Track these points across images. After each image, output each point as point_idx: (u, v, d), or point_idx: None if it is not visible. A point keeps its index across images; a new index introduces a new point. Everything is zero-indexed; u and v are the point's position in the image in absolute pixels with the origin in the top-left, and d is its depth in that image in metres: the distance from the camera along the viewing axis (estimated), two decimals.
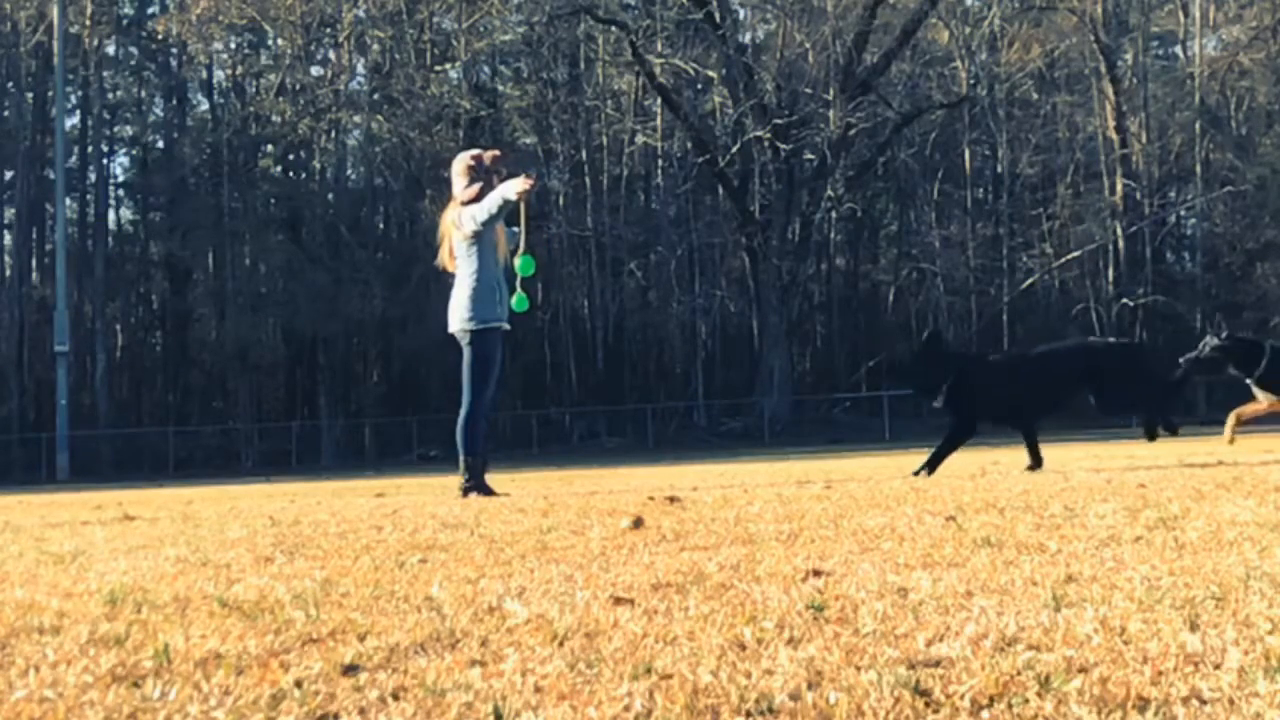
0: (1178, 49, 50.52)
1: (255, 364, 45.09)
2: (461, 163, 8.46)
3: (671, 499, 6.32)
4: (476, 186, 8.21)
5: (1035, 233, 45.85)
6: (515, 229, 8.40)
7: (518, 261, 8.26)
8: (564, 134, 45.21)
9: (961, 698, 1.91)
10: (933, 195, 47.48)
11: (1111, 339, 9.96)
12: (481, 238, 8.21)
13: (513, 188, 7.96)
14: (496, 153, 8.53)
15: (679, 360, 47.20)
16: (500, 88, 49.89)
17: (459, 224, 8.24)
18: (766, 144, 39.31)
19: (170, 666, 2.32)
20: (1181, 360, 9.50)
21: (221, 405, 47.40)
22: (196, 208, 45.72)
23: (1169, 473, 7.33)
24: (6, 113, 46.09)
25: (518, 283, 8.33)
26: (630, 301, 46.26)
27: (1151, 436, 8.94)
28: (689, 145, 43.26)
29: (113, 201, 50.65)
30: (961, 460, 13.19)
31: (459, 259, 8.28)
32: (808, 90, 41.04)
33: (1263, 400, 9.36)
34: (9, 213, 47.07)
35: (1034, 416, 8.95)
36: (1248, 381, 9.36)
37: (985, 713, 1.85)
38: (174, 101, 50.30)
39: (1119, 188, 44.60)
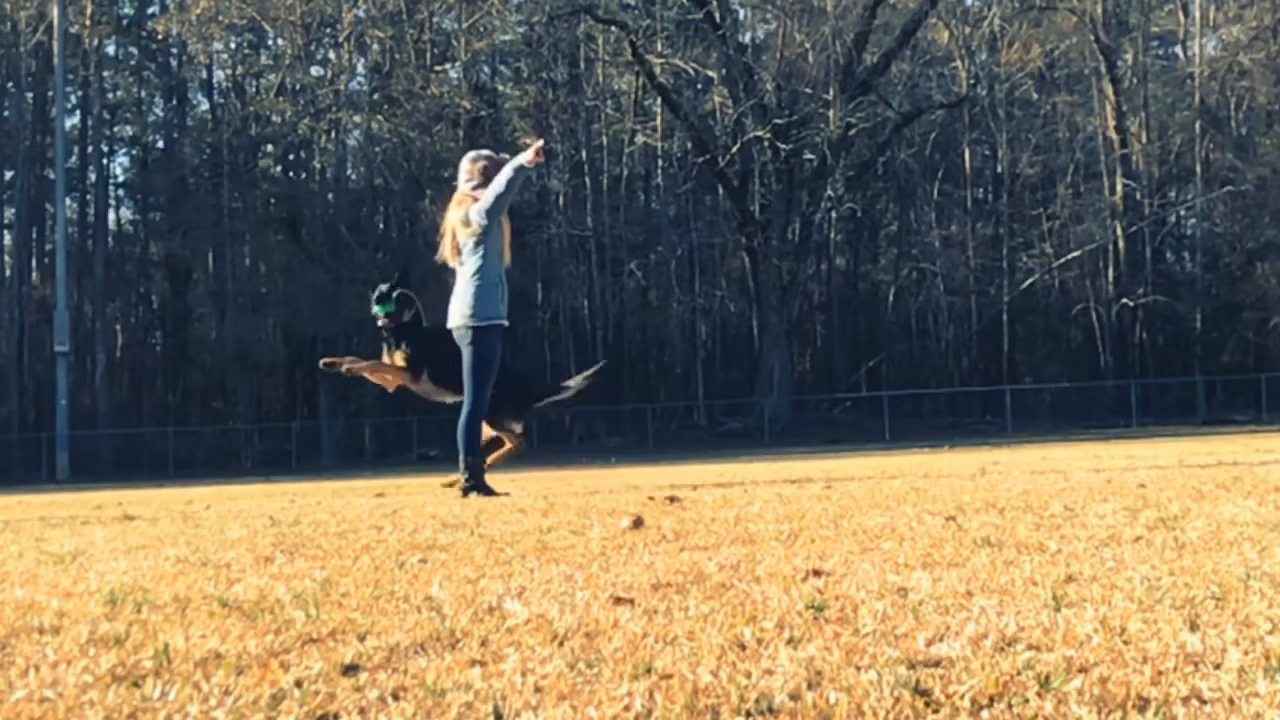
0: (1178, 49, 50.52)
1: (255, 364, 45.06)
2: (475, 163, 8.45)
3: (671, 499, 6.32)
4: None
5: (1035, 233, 45.86)
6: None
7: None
8: (564, 134, 45.18)
9: (961, 698, 1.91)
10: (933, 195, 47.48)
11: None
12: (488, 234, 8.21)
13: (523, 157, 7.99)
14: (540, 156, 8.17)
15: (679, 360, 47.15)
16: (500, 88, 49.88)
17: (467, 220, 8.25)
18: (766, 144, 39.30)
19: (170, 666, 2.32)
20: None
21: (221, 405, 47.38)
22: (196, 208, 45.68)
23: (1169, 473, 7.33)
24: (6, 113, 46.04)
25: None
26: (630, 301, 46.24)
27: None
28: (689, 145, 43.25)
29: (113, 201, 50.62)
30: (961, 460, 13.21)
31: (464, 256, 8.29)
32: (808, 90, 41.03)
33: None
34: (9, 213, 47.04)
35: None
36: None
37: (985, 713, 1.85)
38: (174, 101, 50.26)
39: (1119, 188, 44.62)
